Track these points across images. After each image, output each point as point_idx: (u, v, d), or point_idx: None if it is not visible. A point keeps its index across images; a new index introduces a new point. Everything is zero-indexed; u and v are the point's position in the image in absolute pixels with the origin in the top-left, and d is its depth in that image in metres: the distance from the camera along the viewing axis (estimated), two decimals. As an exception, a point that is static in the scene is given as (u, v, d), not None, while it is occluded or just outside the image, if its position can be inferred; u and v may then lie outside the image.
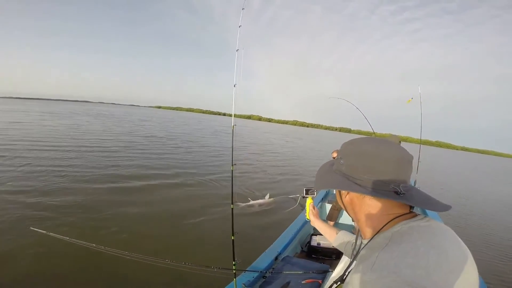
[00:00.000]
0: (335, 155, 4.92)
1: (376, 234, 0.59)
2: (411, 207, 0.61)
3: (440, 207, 0.57)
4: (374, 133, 4.79)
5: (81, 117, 26.98)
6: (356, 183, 0.60)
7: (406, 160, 0.59)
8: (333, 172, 0.67)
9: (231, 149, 2.36)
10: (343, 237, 1.05)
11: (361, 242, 0.69)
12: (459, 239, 0.54)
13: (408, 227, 0.55)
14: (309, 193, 1.25)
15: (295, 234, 3.00)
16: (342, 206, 0.71)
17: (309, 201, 1.24)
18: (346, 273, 0.76)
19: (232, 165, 2.27)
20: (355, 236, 1.00)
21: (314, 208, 1.21)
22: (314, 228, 3.89)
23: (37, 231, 2.12)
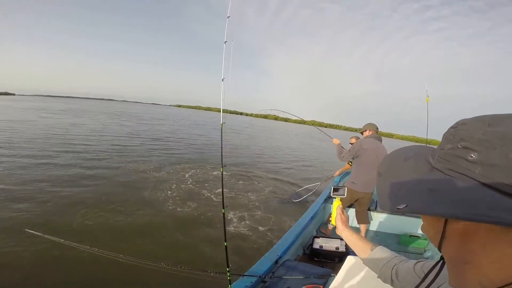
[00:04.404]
0: (353, 141, 4.04)
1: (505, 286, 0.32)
2: None
3: None
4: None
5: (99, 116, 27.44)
6: None
7: None
8: (442, 174, 0.33)
9: (221, 148, 2.13)
10: (382, 255, 0.78)
11: None
12: None
13: None
14: (337, 192, 1.04)
15: (297, 236, 2.82)
16: (430, 236, 0.40)
17: (336, 203, 1.00)
18: None
19: (222, 167, 2.08)
20: (396, 255, 0.76)
21: (343, 213, 0.96)
22: (317, 230, 3.60)
23: (32, 232, 2.10)
